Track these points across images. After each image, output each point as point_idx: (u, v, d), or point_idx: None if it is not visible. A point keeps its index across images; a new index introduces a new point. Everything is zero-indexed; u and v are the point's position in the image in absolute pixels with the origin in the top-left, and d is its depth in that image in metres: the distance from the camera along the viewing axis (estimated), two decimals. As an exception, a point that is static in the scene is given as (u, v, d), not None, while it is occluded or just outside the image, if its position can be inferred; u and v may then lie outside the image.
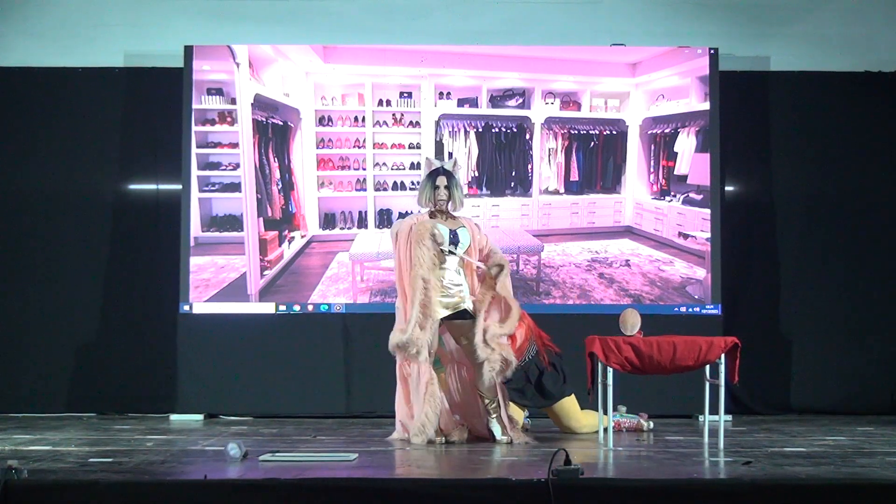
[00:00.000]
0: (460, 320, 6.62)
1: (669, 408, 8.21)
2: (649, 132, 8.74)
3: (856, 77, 8.81)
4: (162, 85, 8.66)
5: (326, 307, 8.50)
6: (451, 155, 6.76)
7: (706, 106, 8.60)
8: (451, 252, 6.57)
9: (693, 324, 8.20)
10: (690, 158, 8.66)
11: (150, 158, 8.76)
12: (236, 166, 8.55)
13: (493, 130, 8.71)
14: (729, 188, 8.79)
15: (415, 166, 8.60)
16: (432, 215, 6.69)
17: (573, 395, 7.18)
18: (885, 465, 5.53)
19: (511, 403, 6.85)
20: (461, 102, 8.71)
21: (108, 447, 6.33)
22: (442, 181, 6.61)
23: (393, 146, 8.67)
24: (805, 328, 8.73)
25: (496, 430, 6.61)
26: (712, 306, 8.48)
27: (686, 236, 8.64)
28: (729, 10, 8.84)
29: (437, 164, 6.73)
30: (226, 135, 8.59)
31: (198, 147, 8.57)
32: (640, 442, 6.78)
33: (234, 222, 8.58)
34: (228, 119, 8.58)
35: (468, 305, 6.63)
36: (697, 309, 8.50)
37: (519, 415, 7.03)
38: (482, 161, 8.70)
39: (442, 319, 6.56)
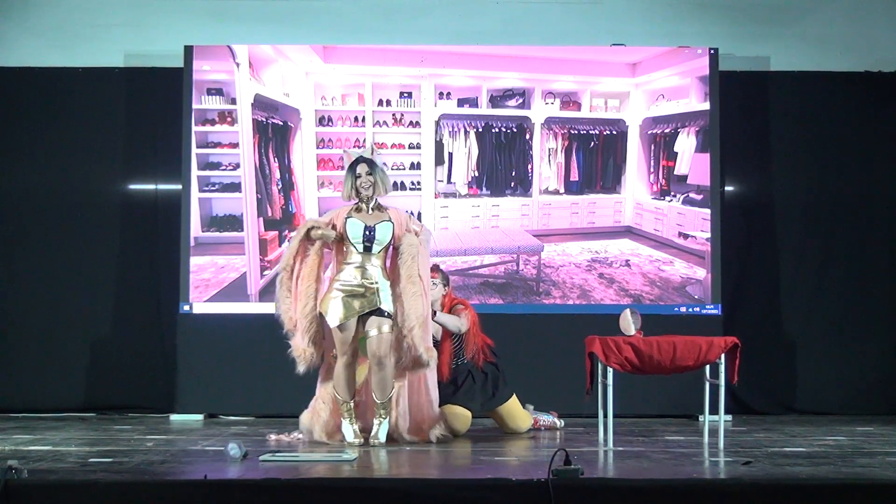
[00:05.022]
0: (375, 316, 6.38)
1: (669, 408, 8.23)
2: (649, 132, 8.74)
3: (856, 77, 8.82)
4: (162, 85, 8.67)
5: (326, 307, 8.48)
6: (373, 150, 6.65)
7: (706, 106, 8.60)
8: (366, 248, 6.39)
9: (693, 324, 8.20)
10: (690, 158, 8.66)
11: (150, 158, 8.77)
12: (236, 166, 8.55)
13: (493, 130, 8.71)
14: (729, 188, 8.79)
15: (415, 166, 8.60)
16: (358, 209, 6.47)
17: (514, 395, 7.14)
18: (885, 465, 5.53)
19: (457, 407, 6.82)
20: (461, 102, 8.71)
21: (108, 447, 6.33)
22: (363, 168, 6.40)
23: (393, 146, 8.67)
24: (805, 328, 8.73)
25: (383, 432, 6.44)
26: (712, 306, 8.48)
27: (686, 236, 8.64)
28: (729, 10, 8.84)
29: (355, 154, 6.54)
30: (226, 135, 8.59)
31: (198, 147, 8.57)
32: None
33: (234, 222, 8.58)
34: (228, 119, 8.58)
35: (385, 306, 6.37)
36: (697, 309, 8.49)
37: (464, 419, 6.94)
38: (482, 161, 8.70)
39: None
